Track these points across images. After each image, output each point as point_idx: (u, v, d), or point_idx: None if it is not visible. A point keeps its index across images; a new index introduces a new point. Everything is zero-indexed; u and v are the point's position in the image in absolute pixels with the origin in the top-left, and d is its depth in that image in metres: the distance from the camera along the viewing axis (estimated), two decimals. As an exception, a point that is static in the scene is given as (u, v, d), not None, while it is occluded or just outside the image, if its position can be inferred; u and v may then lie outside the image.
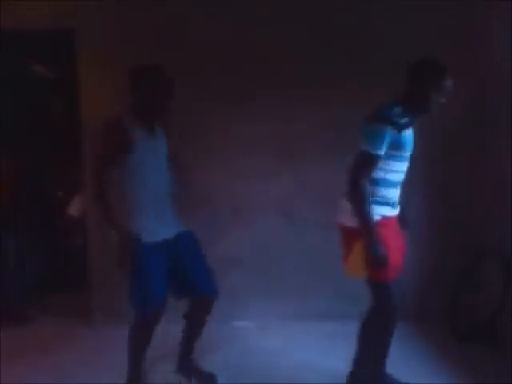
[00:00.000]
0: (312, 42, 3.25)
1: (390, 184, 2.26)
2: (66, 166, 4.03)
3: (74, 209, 3.67)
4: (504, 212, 3.00)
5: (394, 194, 2.31)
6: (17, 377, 2.64)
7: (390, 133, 2.13)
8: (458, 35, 3.24)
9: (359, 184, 2.14)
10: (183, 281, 2.47)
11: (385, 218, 2.24)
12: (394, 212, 2.32)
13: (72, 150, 3.49)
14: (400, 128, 2.16)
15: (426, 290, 3.40)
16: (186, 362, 2.66)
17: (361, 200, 2.14)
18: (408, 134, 2.25)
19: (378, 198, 2.22)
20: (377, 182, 2.21)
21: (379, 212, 2.22)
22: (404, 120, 2.19)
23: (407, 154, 2.29)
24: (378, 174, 2.21)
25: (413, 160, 3.36)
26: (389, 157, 2.19)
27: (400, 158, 2.24)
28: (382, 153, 2.14)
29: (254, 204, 3.30)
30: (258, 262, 3.34)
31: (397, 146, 2.18)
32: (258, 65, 3.24)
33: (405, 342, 3.05)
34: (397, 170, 2.27)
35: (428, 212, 3.38)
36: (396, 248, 2.26)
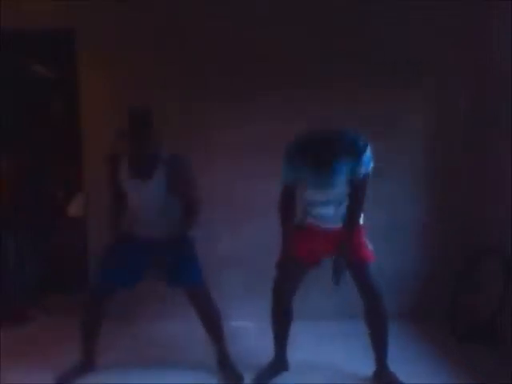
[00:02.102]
0: (312, 41, 3.24)
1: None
2: (66, 166, 4.03)
3: (74, 209, 3.67)
4: (504, 212, 3.00)
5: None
6: (17, 377, 2.64)
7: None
8: (458, 35, 3.25)
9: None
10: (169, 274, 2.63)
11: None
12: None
13: (72, 149, 3.49)
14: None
15: (426, 290, 3.40)
16: (222, 359, 2.73)
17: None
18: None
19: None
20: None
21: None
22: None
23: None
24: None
25: (413, 160, 3.37)
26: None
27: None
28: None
29: (254, 204, 3.30)
30: (258, 262, 3.33)
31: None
32: (258, 65, 3.24)
33: (405, 341, 3.06)
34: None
35: (428, 212, 3.38)
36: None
